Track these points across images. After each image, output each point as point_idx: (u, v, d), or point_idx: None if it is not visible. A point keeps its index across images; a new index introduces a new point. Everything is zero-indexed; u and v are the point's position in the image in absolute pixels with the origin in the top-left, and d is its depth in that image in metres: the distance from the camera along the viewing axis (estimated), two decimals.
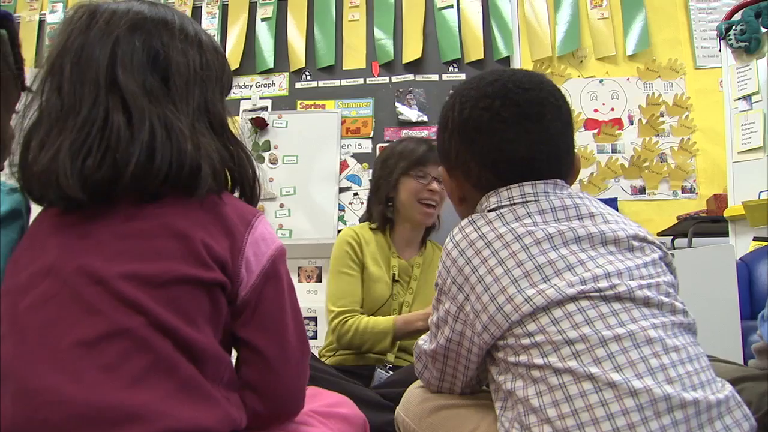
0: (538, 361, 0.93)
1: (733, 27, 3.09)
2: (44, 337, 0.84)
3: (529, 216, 1.03)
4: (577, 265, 0.98)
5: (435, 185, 2.14)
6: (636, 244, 1.03)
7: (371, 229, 2.24)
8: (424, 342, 1.16)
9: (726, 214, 3.00)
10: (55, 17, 4.59)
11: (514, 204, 1.05)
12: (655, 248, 1.05)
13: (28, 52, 4.48)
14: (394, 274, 2.16)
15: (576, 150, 1.16)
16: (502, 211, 1.04)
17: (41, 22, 4.61)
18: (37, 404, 0.81)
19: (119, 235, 0.89)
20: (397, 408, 1.25)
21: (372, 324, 2.02)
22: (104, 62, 0.92)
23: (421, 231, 2.26)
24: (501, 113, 1.08)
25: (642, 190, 3.86)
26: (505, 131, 1.08)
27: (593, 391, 0.89)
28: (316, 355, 2.12)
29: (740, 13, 3.09)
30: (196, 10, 4.46)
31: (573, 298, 0.95)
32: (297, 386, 1.01)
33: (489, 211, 1.06)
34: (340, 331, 2.03)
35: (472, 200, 1.13)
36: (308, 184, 4.02)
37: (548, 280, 0.97)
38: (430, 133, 4.03)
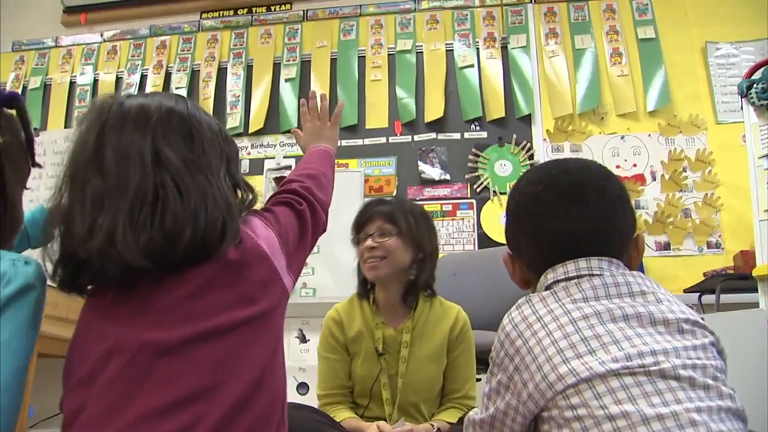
0: None
1: (755, 85, 3.10)
2: (118, 412, 0.89)
3: (581, 292, 1.07)
4: (623, 340, 0.99)
5: (369, 242, 2.11)
6: (686, 327, 1.04)
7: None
8: (475, 413, 1.19)
9: (755, 273, 2.95)
10: (84, 79, 4.73)
11: (569, 279, 1.09)
12: (707, 333, 1.05)
13: (58, 112, 4.62)
14: (377, 348, 2.09)
15: (638, 232, 1.19)
16: (555, 288, 1.09)
17: (72, 84, 4.75)
18: None
19: (171, 303, 0.95)
20: None
21: (345, 424, 1.99)
22: (147, 142, 1.00)
23: (397, 291, 2.15)
24: (542, 196, 1.15)
25: (667, 246, 3.83)
26: (545, 213, 1.14)
27: None
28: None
29: (761, 71, 3.10)
30: (222, 72, 4.57)
31: (617, 374, 0.96)
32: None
33: (545, 288, 1.11)
34: None
35: (534, 281, 1.18)
36: (332, 242, 3.99)
37: (593, 352, 0.99)
38: (452, 191, 4.05)
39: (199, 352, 0.92)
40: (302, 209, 1.19)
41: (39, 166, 1.14)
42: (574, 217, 1.12)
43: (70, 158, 1.03)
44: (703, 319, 1.07)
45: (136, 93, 1.15)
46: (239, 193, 1.13)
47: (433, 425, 1.97)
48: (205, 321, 0.94)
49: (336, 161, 4.35)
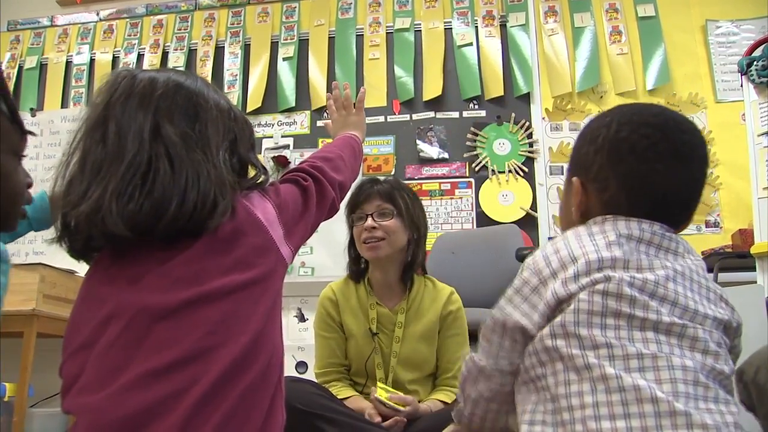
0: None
1: (755, 62, 3.09)
2: (115, 375, 0.92)
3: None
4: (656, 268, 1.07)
5: (369, 221, 2.11)
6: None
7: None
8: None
9: (753, 251, 2.96)
10: (81, 59, 4.70)
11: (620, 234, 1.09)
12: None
13: (55, 92, 4.59)
14: (370, 327, 2.11)
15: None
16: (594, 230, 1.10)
17: (68, 63, 4.72)
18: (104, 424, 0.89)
19: (168, 268, 0.98)
20: None
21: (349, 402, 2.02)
22: (149, 115, 1.02)
23: (395, 272, 2.18)
24: (659, 146, 1.11)
25: None
26: (655, 162, 1.10)
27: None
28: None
29: (761, 48, 3.09)
30: (219, 51, 4.54)
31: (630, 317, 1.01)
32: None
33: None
34: None
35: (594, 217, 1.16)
36: (330, 221, 4.00)
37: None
38: (450, 170, 4.05)
39: (196, 315, 0.95)
40: (307, 185, 1.23)
41: (32, 133, 1.13)
42: (678, 179, 1.11)
43: (80, 128, 1.06)
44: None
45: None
46: (250, 172, 1.16)
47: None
48: (203, 285, 0.96)
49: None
